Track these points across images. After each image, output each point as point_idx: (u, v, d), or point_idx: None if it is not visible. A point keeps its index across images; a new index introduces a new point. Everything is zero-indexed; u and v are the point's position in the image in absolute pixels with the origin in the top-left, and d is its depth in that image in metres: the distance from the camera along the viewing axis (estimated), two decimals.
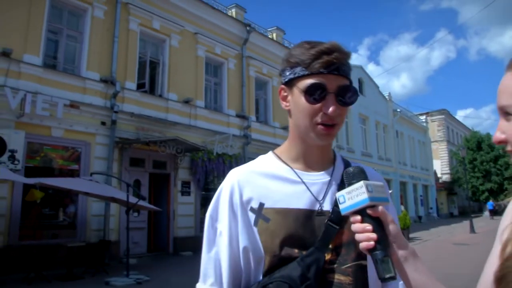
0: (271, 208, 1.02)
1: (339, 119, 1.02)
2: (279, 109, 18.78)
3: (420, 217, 32.34)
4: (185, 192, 13.65)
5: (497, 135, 0.81)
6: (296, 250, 0.98)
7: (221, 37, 16.09)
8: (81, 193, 9.73)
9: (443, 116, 44.35)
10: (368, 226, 0.84)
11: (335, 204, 1.00)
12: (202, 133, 14.39)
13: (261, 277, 1.00)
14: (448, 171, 41.93)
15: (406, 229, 15.84)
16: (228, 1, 17.49)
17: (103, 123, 11.41)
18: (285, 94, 1.08)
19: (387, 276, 0.81)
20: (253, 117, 17.18)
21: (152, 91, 13.56)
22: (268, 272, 0.99)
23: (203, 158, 13.86)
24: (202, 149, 13.22)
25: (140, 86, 12.92)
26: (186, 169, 13.71)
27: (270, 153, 1.15)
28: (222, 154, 14.53)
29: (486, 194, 37.12)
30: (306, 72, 0.99)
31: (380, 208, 0.86)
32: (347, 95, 1.01)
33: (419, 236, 18.95)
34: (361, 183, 0.86)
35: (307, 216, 1.01)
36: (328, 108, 0.98)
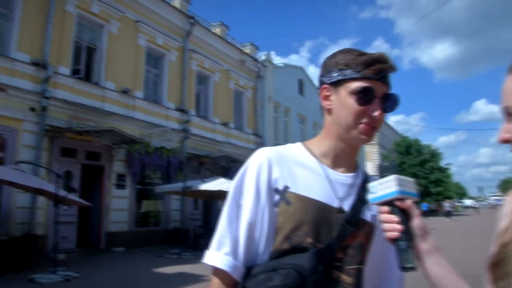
0: (294, 193, 1.06)
1: (379, 123, 1.09)
2: (220, 105, 18.71)
3: None
4: (120, 185, 13.13)
5: (502, 135, 0.84)
6: (310, 239, 1.03)
7: (163, 27, 15.65)
8: (4, 182, 8.97)
9: (377, 131, 46.30)
10: (395, 217, 0.90)
11: (354, 206, 1.08)
12: (140, 125, 13.92)
13: (266, 257, 1.05)
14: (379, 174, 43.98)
15: None
16: None
17: (32, 109, 10.64)
18: (328, 93, 1.13)
19: (408, 266, 0.86)
20: (193, 112, 16.90)
21: (88, 78, 12.87)
22: (275, 253, 1.04)
23: (140, 151, 13.40)
24: (139, 142, 12.76)
25: (75, 72, 12.22)
26: (121, 162, 13.19)
27: (299, 143, 1.20)
28: (160, 148, 14.15)
29: None
30: (358, 76, 1.06)
31: (408, 201, 0.92)
32: (390, 103, 1.09)
33: None
34: (393, 176, 0.93)
35: (327, 210, 1.06)
36: (374, 111, 1.06)
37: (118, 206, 12.99)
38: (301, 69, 27.60)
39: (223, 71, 19.17)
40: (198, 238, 13.38)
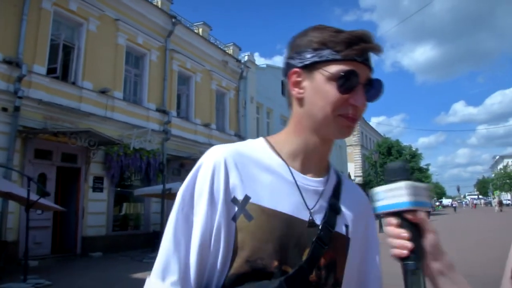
0: (257, 204, 0.87)
1: (361, 114, 0.91)
2: (201, 106, 18.45)
3: None
4: (97, 188, 12.75)
5: None
6: (276, 262, 0.84)
7: (144, 26, 15.31)
8: None
9: (358, 122, 46.85)
10: (405, 233, 0.77)
11: (326, 220, 0.91)
12: (118, 126, 13.56)
13: (222, 283, 0.84)
14: (361, 174, 44.29)
15: None
16: None
17: (4, 109, 10.21)
18: (299, 79, 0.92)
19: None
20: (174, 112, 16.59)
21: (64, 77, 12.46)
22: (234, 279, 0.83)
23: (119, 153, 13.06)
24: (118, 143, 12.41)
25: (51, 71, 11.79)
26: (99, 164, 12.81)
27: (261, 139, 0.99)
28: (140, 149, 13.82)
29: None
30: (338, 57, 0.86)
31: (420, 214, 0.78)
32: (374, 90, 0.91)
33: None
34: (404, 183, 0.78)
35: (296, 225, 0.88)
36: (358, 100, 0.87)
37: (96, 210, 12.60)
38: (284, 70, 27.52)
39: (205, 71, 18.90)
40: None
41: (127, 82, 14.84)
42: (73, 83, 12.51)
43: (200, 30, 19.37)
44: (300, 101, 0.93)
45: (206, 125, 18.48)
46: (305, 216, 0.89)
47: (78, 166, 12.30)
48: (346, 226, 0.94)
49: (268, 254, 0.84)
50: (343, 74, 0.85)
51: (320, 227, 0.89)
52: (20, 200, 8.45)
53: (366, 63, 0.88)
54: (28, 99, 10.70)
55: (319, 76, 0.88)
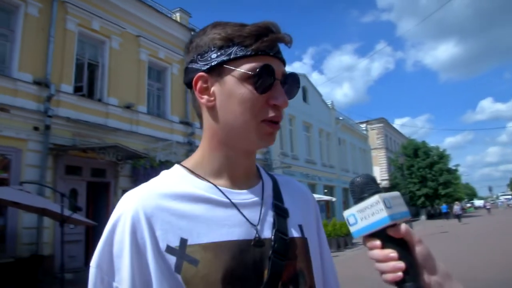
0: (197, 244, 0.74)
1: (282, 115, 0.81)
2: None
3: None
4: None
5: None
6: None
7: (164, 41, 15.65)
8: (9, 203, 8.91)
9: (381, 125, 46.20)
10: (393, 253, 0.67)
11: (277, 228, 0.81)
12: (144, 139, 13.86)
13: None
14: (387, 177, 43.60)
15: (350, 235, 16.15)
16: (172, 5, 17.13)
17: (35, 128, 10.60)
18: (206, 85, 0.81)
19: None
20: (197, 124, 16.75)
21: (90, 95, 12.87)
22: None
23: (145, 166, 13.32)
24: (144, 156, 12.69)
25: (77, 90, 12.22)
26: (127, 177, 13.10)
27: (177, 166, 0.87)
28: (166, 162, 14.05)
29: (423, 199, 38.91)
30: (249, 52, 0.76)
31: (403, 226, 0.69)
32: (291, 85, 0.83)
33: (360, 241, 19.38)
34: (376, 197, 0.68)
35: (245, 248, 0.77)
36: (279, 99, 0.78)
37: None
38: (304, 76, 27.51)
39: None
40: None
41: (150, 96, 15.17)
42: (99, 100, 12.89)
43: None
44: (211, 110, 0.82)
45: None
46: (254, 234, 0.79)
47: (107, 181, 12.61)
48: (300, 226, 0.86)
49: None
50: (258, 70, 0.76)
51: (273, 239, 0.79)
52: (54, 215, 8.73)
53: (278, 56, 0.80)
54: (57, 117, 11.08)
55: (230, 77, 0.78)
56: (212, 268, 0.73)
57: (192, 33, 16.68)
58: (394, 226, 0.68)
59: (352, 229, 0.72)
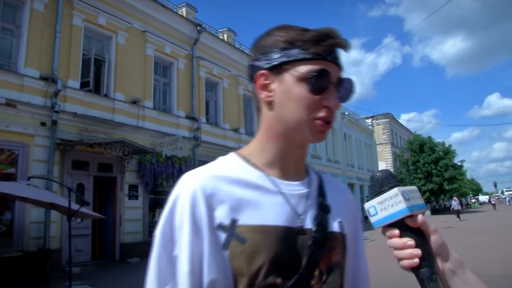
0: (246, 225, 0.81)
1: (334, 116, 0.88)
2: (230, 111, 18.65)
3: (366, 217, 33.08)
4: (133, 196, 13.11)
5: None
6: (279, 280, 0.79)
7: (171, 36, 15.67)
8: (17, 198, 9.01)
9: (387, 120, 46.08)
10: (410, 241, 0.75)
11: (319, 221, 0.87)
12: (150, 134, 13.91)
13: None
14: (393, 173, 43.50)
15: None
16: (178, 0, 17.14)
17: (43, 124, 10.68)
18: (267, 82, 0.88)
19: None
20: (203, 119, 16.87)
21: (97, 90, 12.92)
22: None
23: (152, 161, 13.39)
24: (150, 151, 12.77)
25: (84, 85, 12.26)
26: (133, 172, 13.18)
27: (233, 154, 0.94)
28: (172, 157, 14.13)
29: (428, 194, 38.79)
30: (308, 56, 0.83)
31: (420, 217, 0.76)
32: (345, 90, 0.88)
33: (367, 236, 19.39)
34: (395, 190, 0.76)
35: (289, 235, 0.83)
36: (331, 101, 0.84)
37: (132, 217, 12.96)
38: None
39: (232, 77, 19.13)
40: None
41: (156, 91, 15.21)
42: (106, 95, 12.95)
43: (225, 36, 19.61)
44: (270, 105, 0.89)
45: (235, 130, 18.68)
46: (297, 223, 0.85)
47: (114, 175, 12.70)
48: (340, 223, 0.92)
49: (269, 272, 0.78)
50: (314, 73, 0.82)
51: (314, 230, 0.85)
52: (62, 209, 8.81)
53: (336, 61, 0.86)
54: (64, 112, 11.15)
55: (289, 77, 0.84)
56: (258, 248, 0.79)
57: (198, 28, 16.69)
58: (412, 216, 0.75)
59: (372, 220, 0.79)
